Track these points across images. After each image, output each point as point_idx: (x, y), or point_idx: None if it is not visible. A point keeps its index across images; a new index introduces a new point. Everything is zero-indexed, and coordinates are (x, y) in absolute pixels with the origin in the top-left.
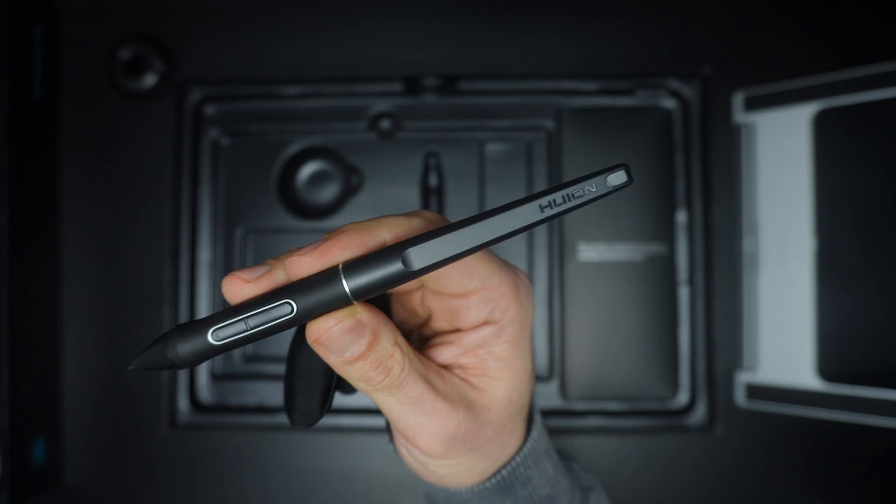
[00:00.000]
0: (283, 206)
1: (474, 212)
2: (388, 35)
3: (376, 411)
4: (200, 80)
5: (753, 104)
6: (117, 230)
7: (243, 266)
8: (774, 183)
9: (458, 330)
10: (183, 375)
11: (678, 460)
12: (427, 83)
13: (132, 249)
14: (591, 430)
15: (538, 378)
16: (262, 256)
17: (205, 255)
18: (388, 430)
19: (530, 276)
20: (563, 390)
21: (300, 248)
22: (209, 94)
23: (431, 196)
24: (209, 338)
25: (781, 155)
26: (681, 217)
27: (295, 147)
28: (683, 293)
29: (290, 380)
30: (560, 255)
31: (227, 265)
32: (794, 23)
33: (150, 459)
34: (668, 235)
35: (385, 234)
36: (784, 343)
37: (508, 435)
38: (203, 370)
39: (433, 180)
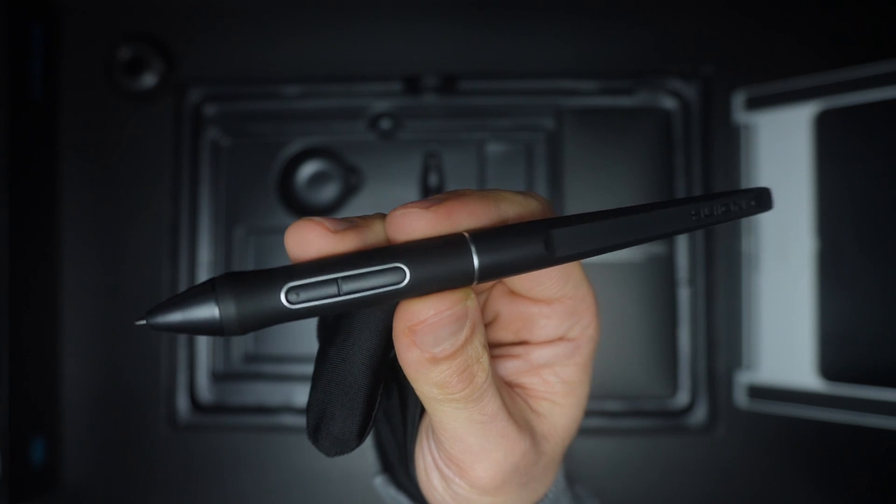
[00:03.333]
0: (282, 206)
1: None
2: (388, 35)
3: None
4: (200, 80)
5: (754, 104)
6: (117, 230)
7: (243, 267)
8: (775, 183)
9: (524, 343)
10: (182, 375)
11: (678, 461)
12: (427, 83)
13: (132, 249)
14: (591, 430)
15: None
16: (261, 256)
17: (204, 255)
18: (380, 461)
19: None
20: None
21: (413, 203)
22: (209, 94)
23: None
24: (282, 297)
25: (782, 155)
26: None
27: (295, 147)
28: (684, 293)
29: (321, 393)
30: None
31: (226, 265)
32: (794, 23)
33: (150, 460)
34: None
35: (510, 211)
36: (784, 343)
37: (551, 472)
38: (203, 370)
39: (433, 180)
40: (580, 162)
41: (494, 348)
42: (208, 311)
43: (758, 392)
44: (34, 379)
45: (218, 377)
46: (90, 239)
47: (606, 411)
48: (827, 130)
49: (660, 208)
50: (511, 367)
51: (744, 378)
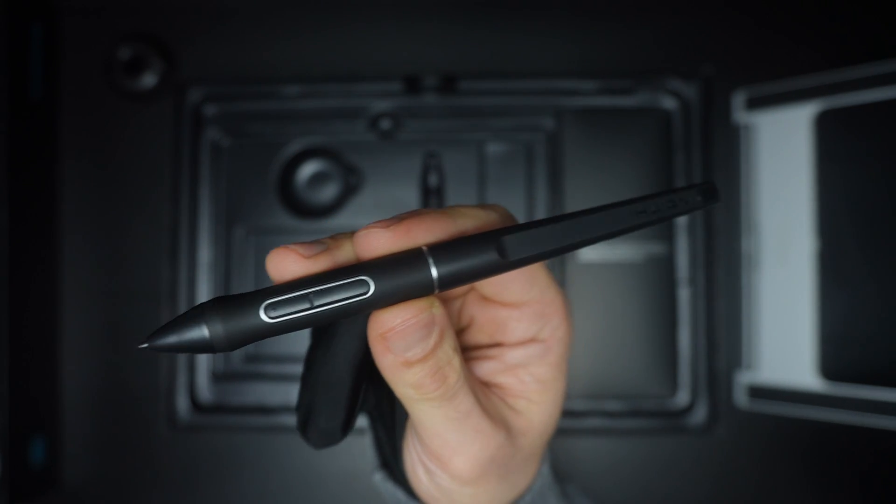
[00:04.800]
0: (282, 206)
1: None
2: (388, 35)
3: None
4: (200, 80)
5: (754, 104)
6: (117, 230)
7: (243, 267)
8: (775, 183)
9: (498, 345)
10: (182, 375)
11: (678, 461)
12: (427, 83)
13: (132, 249)
14: (590, 430)
15: None
16: (261, 256)
17: (204, 255)
18: (379, 458)
19: None
20: None
21: (375, 223)
22: (209, 94)
23: (431, 196)
24: (262, 314)
25: (782, 155)
26: (681, 217)
27: (295, 147)
28: (684, 293)
29: (309, 391)
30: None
31: (226, 265)
32: (794, 23)
33: (150, 460)
34: (668, 235)
35: (467, 223)
36: (785, 343)
37: (532, 465)
38: (203, 370)
39: (433, 180)
40: (580, 162)
41: (472, 350)
42: (199, 332)
43: (758, 392)
44: (34, 379)
45: (218, 377)
46: (90, 239)
47: (606, 411)
48: (827, 130)
49: (605, 210)
50: (488, 368)
51: (744, 378)
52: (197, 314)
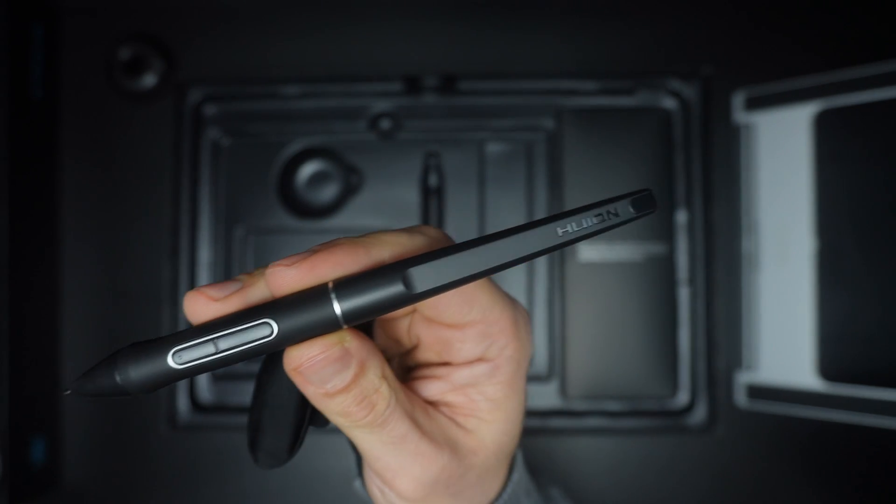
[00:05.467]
0: (283, 206)
1: (474, 212)
2: (388, 35)
3: None
4: (200, 80)
5: (754, 104)
6: (117, 230)
7: (243, 267)
8: (775, 183)
9: (447, 364)
10: None
11: (678, 461)
12: (427, 83)
13: (132, 249)
14: (590, 430)
15: (538, 378)
16: (262, 256)
17: (204, 255)
18: (357, 466)
19: (530, 277)
20: (563, 390)
21: (284, 259)
22: (209, 94)
23: (431, 196)
24: (169, 360)
25: (782, 155)
26: (681, 217)
27: (295, 147)
28: (683, 293)
29: (256, 412)
30: (560, 255)
31: (226, 265)
32: (794, 23)
33: (150, 460)
34: (668, 235)
35: (384, 252)
36: (784, 343)
37: (491, 480)
38: None
39: (433, 180)
40: (580, 162)
41: (422, 368)
42: (111, 381)
43: (758, 392)
44: (34, 379)
45: (218, 377)
46: (90, 239)
47: (606, 411)
48: (827, 130)
49: (521, 231)
50: (436, 388)
51: (744, 378)
52: (110, 362)
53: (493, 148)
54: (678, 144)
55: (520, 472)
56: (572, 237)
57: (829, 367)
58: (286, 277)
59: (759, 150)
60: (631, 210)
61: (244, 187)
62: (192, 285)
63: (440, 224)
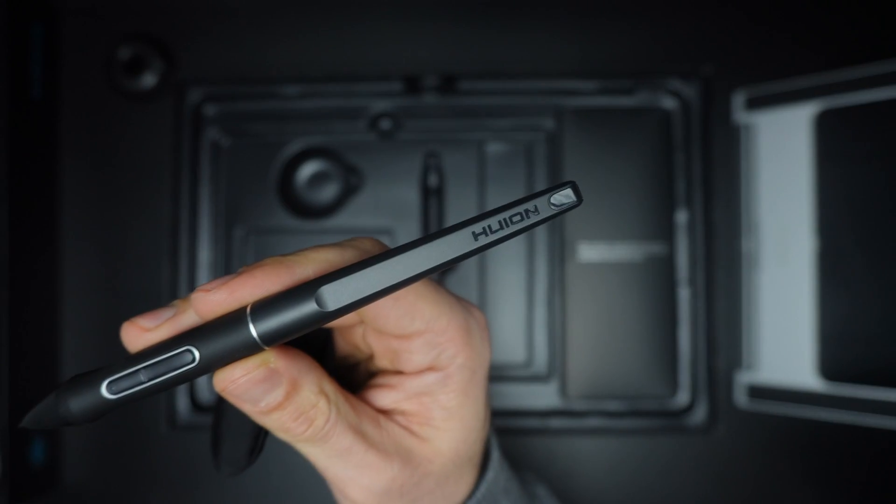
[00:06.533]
0: (283, 206)
1: (474, 212)
2: (388, 35)
3: None
4: (200, 80)
5: (754, 104)
6: (117, 230)
7: (244, 264)
8: (775, 183)
9: (400, 373)
10: None
11: (678, 461)
12: (427, 83)
13: (132, 249)
14: (590, 430)
15: (538, 378)
16: (261, 256)
17: (204, 255)
18: None
19: (530, 277)
20: (563, 390)
21: (209, 282)
22: (209, 94)
23: (431, 196)
24: (103, 391)
25: (782, 155)
26: (681, 217)
27: (295, 147)
28: (683, 293)
29: (216, 423)
30: (560, 255)
31: (226, 265)
32: (794, 23)
33: (150, 460)
34: (668, 235)
35: (309, 269)
36: (785, 343)
37: (454, 485)
38: None
39: (433, 180)
40: (580, 162)
41: (379, 377)
42: (55, 414)
43: (758, 392)
44: (34, 379)
45: None
46: (90, 239)
47: (606, 411)
48: (827, 130)
49: (435, 238)
50: (391, 396)
51: (744, 378)
52: (52, 397)
53: (493, 148)
54: (678, 144)
55: (495, 471)
56: (491, 240)
57: (829, 367)
58: (208, 303)
59: (759, 150)
60: (552, 206)
61: (244, 187)
62: (192, 285)
63: (440, 224)
